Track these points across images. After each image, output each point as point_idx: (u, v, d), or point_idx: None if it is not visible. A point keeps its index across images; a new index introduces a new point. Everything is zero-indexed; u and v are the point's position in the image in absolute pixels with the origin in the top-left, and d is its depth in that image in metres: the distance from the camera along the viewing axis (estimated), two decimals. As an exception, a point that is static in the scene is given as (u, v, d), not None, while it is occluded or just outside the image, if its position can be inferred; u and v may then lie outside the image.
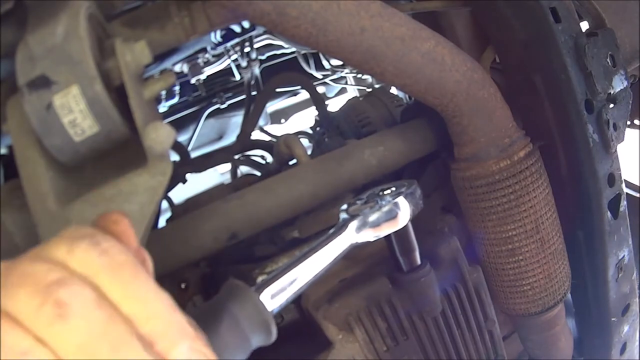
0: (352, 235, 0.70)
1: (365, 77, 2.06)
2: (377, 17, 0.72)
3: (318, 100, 1.45)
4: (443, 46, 0.79)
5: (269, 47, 2.01)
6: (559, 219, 0.94)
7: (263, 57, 2.03)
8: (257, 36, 1.83)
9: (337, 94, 2.66)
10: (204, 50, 1.88)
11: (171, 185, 1.34)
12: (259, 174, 1.39)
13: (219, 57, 2.00)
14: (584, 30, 0.93)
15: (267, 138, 1.87)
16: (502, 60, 1.00)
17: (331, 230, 0.70)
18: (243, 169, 1.70)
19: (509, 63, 0.98)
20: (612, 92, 0.93)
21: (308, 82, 1.48)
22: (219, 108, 2.36)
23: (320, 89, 2.45)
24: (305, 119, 2.86)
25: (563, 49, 0.88)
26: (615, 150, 0.95)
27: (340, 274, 0.96)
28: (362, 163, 0.96)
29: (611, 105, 0.93)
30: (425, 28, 0.79)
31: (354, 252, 1.05)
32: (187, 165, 1.39)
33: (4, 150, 1.25)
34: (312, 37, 0.70)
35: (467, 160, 0.89)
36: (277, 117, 2.82)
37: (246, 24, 1.54)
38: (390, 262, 0.87)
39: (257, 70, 1.94)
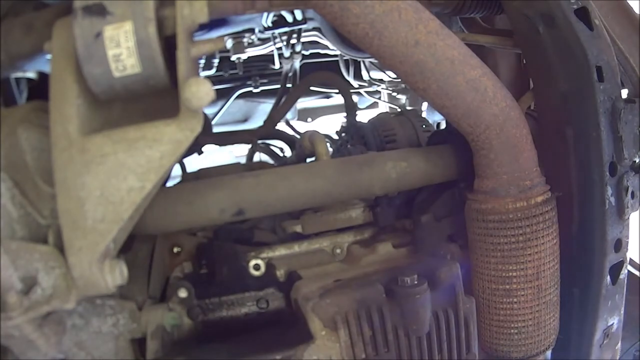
0: None
1: (399, 96, 2.08)
2: (433, 34, 0.73)
3: (350, 107, 1.46)
4: (488, 78, 0.81)
5: (314, 44, 2.03)
6: (559, 271, 0.95)
7: (307, 53, 2.05)
8: (305, 31, 1.85)
9: (367, 107, 2.67)
10: (252, 31, 1.90)
11: (188, 152, 1.34)
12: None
13: (264, 41, 2.02)
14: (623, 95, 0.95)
15: (290, 132, 1.89)
16: (539, 107, 1.01)
17: None
18: (257, 157, 1.72)
19: (545, 111, 0.99)
20: (637, 161, 0.95)
21: (345, 87, 1.49)
22: (251, 91, 2.38)
23: (354, 98, 2.47)
24: (331, 124, 2.88)
25: (600, 108, 0.89)
26: (628, 218, 0.96)
27: (337, 274, 0.97)
28: (382, 174, 0.97)
29: (633, 174, 0.94)
30: (476, 57, 0.80)
31: (355, 257, 1.07)
32: (208, 137, 1.41)
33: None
34: (367, 38, 0.72)
35: (486, 193, 0.90)
36: (305, 114, 2.83)
37: (299, 16, 1.56)
38: (390, 274, 0.87)
39: (297, 64, 1.96)
